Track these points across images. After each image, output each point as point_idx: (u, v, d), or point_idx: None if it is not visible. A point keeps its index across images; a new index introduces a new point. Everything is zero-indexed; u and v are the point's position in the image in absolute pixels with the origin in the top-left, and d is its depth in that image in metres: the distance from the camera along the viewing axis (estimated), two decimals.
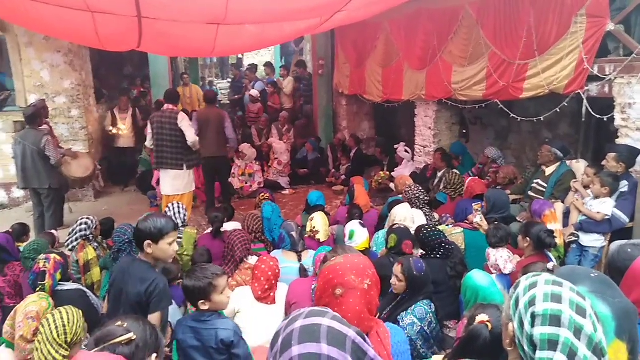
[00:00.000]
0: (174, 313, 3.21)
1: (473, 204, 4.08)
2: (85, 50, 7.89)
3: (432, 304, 2.75)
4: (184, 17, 4.07)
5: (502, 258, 3.28)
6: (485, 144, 7.38)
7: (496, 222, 3.56)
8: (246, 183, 8.11)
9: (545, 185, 4.71)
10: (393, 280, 2.76)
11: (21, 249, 4.00)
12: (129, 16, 3.87)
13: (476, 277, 2.56)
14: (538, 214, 3.84)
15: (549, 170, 4.78)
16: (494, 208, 4.26)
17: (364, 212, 4.83)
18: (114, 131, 8.27)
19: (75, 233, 4.09)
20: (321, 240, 4.16)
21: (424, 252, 3.41)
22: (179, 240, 4.50)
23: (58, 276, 3.12)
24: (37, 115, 5.84)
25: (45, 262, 3.10)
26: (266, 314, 3.09)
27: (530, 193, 4.83)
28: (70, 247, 4.03)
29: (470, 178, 5.16)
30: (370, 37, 7.69)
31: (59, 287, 3.12)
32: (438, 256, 3.29)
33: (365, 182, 6.03)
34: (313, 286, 3.05)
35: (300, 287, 3.12)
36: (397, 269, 2.76)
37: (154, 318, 2.39)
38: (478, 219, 4.01)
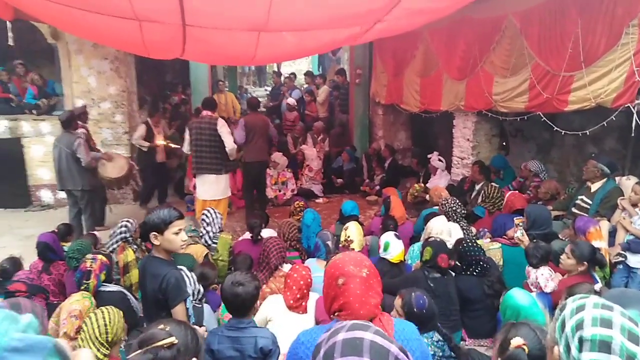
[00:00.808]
0: (209, 318, 3.24)
1: (514, 218, 3.95)
2: (130, 58, 8.18)
3: (436, 334, 2.56)
4: (226, 24, 4.14)
5: (543, 276, 3.16)
6: (526, 157, 7.17)
7: (535, 240, 3.44)
8: (280, 191, 8.17)
9: (590, 202, 4.52)
10: (393, 313, 2.59)
11: (65, 248, 4.16)
12: (174, 24, 3.99)
13: (517, 296, 2.47)
14: (582, 231, 3.69)
15: (594, 187, 4.59)
16: (534, 224, 4.12)
17: (399, 224, 4.76)
18: (160, 142, 7.62)
19: (116, 235, 4.22)
20: (355, 250, 4.13)
21: (460, 267, 3.33)
22: (214, 245, 4.58)
23: (102, 277, 3.24)
24: (71, 119, 6.09)
25: (92, 262, 3.21)
26: (298, 323, 3.05)
27: (574, 210, 4.64)
28: (111, 248, 4.16)
29: (510, 192, 5.02)
30: (410, 47, 7.64)
31: (102, 288, 3.23)
32: (474, 273, 3.20)
33: (398, 193, 5.95)
34: None
35: None
36: (397, 302, 2.61)
37: (178, 313, 2.38)
38: (519, 233, 3.88)
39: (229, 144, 5.79)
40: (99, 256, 3.30)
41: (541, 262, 3.29)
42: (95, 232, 4.80)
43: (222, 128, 5.79)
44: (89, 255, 3.33)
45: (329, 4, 3.97)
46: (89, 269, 3.19)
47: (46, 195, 8.13)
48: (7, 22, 5.79)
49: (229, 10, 3.88)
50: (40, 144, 7.93)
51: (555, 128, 5.23)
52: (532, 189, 5.68)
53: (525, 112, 5.55)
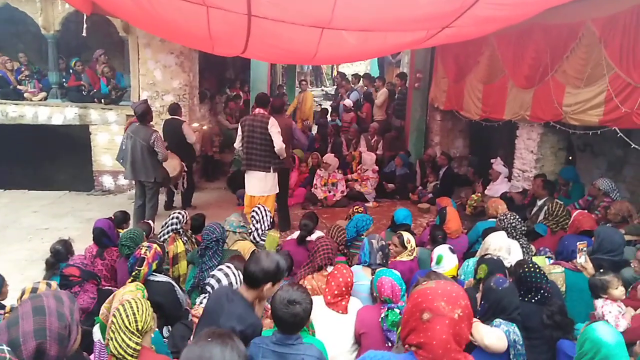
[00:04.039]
0: None
1: (578, 243, 3.63)
2: (194, 53, 8.41)
3: (517, 328, 2.54)
4: (291, 18, 4.11)
5: (612, 314, 2.85)
6: (594, 174, 6.68)
7: (601, 270, 3.13)
8: (329, 192, 8.12)
9: None
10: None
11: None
12: (240, 13, 3.98)
13: (601, 331, 2.23)
14: None
15: None
16: (600, 247, 3.79)
17: (454, 237, 4.56)
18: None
19: (168, 226, 4.30)
20: (404, 260, 3.99)
21: (518, 292, 3.10)
22: (262, 242, 4.58)
23: (154, 266, 3.29)
24: (147, 113, 6.22)
25: (147, 250, 3.28)
26: (337, 323, 3.03)
27: None
28: (162, 239, 4.24)
29: (577, 211, 4.65)
30: (474, 52, 7.34)
31: (151, 277, 3.28)
32: (533, 301, 2.95)
33: (452, 203, 5.68)
34: (382, 314, 2.93)
35: (368, 315, 3.01)
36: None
37: None
38: (582, 259, 3.57)
39: (278, 144, 5.76)
40: (154, 245, 3.35)
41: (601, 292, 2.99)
42: (150, 222, 4.92)
43: (272, 128, 5.76)
44: (145, 243, 3.39)
45: (397, 6, 3.84)
46: (143, 256, 3.25)
47: (107, 181, 8.52)
48: (84, 15, 6.03)
49: (293, 2, 3.84)
50: (105, 132, 8.32)
51: (633, 145, 4.81)
52: (601, 209, 5.26)
53: (598, 127, 5.16)
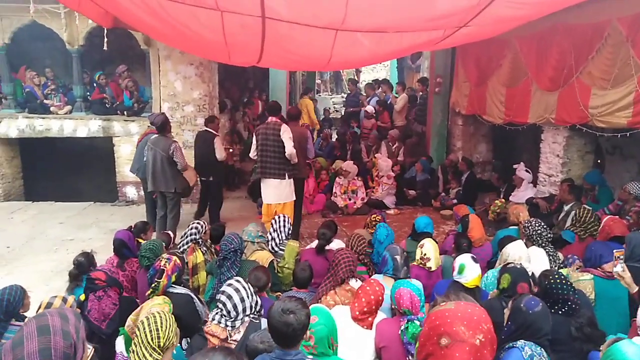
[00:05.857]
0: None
1: (614, 251, 3.46)
2: (214, 64, 8.50)
3: (544, 352, 2.34)
4: (304, 18, 4.07)
5: None
6: (624, 178, 6.45)
7: None
8: (350, 200, 8.04)
9: None
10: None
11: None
12: (254, 16, 3.98)
13: (628, 350, 2.05)
14: None
15: None
16: (633, 255, 3.62)
17: (478, 245, 4.43)
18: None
19: (187, 236, 4.31)
20: (432, 269, 3.91)
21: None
22: (280, 252, 4.55)
23: (173, 278, 3.30)
24: (166, 123, 6.31)
25: (167, 262, 3.29)
26: (360, 338, 2.96)
27: None
28: (181, 249, 4.26)
29: (608, 217, 4.47)
30: (495, 55, 7.20)
31: (171, 289, 3.28)
32: (560, 312, 2.83)
33: (470, 210, 5.53)
34: (402, 327, 2.85)
35: (388, 328, 2.93)
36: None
37: None
38: (619, 268, 3.41)
39: (288, 148, 5.74)
40: (174, 257, 3.37)
41: None
42: (170, 232, 4.95)
43: (284, 134, 5.76)
44: (165, 255, 3.41)
45: (412, 4, 3.77)
46: (162, 268, 3.26)
47: (131, 192, 8.66)
48: (104, 29, 6.17)
49: (307, 2, 3.82)
50: (128, 143, 8.47)
51: None
52: (633, 215, 5.05)
53: (627, 129, 4.97)
